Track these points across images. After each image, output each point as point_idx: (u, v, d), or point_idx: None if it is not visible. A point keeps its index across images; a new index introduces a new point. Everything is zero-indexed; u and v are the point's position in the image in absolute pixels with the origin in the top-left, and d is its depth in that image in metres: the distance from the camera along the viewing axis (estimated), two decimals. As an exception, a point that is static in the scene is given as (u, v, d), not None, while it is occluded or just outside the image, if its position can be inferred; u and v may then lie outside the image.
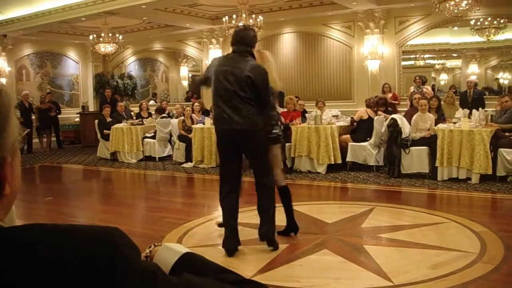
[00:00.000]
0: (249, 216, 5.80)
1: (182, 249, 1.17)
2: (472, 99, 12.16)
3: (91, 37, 14.88)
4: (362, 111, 10.28)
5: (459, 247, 4.97)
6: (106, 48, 15.20)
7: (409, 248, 4.96)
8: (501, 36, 14.67)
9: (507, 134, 8.77)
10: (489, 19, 13.42)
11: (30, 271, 0.81)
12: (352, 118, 10.51)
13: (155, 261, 1.14)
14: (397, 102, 12.79)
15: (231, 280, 1.02)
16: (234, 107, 4.82)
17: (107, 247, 0.85)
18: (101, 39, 14.90)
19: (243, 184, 5.79)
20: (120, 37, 15.28)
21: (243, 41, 5.00)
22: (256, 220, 5.44)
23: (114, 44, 15.18)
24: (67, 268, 0.82)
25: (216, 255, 5.03)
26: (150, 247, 1.24)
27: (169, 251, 1.17)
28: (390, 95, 12.79)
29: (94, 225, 0.94)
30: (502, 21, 13.49)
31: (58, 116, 16.28)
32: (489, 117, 9.80)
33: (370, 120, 9.94)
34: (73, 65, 19.44)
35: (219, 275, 1.04)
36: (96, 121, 13.61)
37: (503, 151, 8.37)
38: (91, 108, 18.71)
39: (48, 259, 0.82)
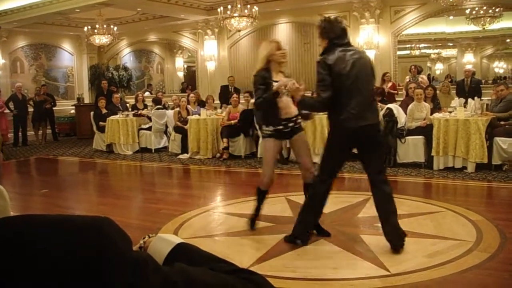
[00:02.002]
0: (245, 206, 5.80)
1: (176, 239, 1.16)
2: (469, 88, 12.16)
3: (85, 28, 14.80)
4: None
5: (455, 235, 4.99)
6: (101, 39, 15.13)
7: (406, 238, 4.96)
8: (497, 25, 14.67)
9: (502, 123, 8.78)
10: (485, 8, 13.40)
11: (19, 262, 0.80)
12: None
13: (149, 251, 1.14)
14: (395, 92, 12.77)
15: (224, 269, 1.01)
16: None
17: (97, 237, 0.84)
18: (95, 30, 14.83)
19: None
20: (115, 28, 15.21)
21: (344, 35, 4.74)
22: (249, 210, 5.45)
23: (109, 35, 15.11)
24: (57, 259, 0.81)
25: (213, 245, 5.03)
26: (144, 238, 1.24)
27: (163, 242, 1.16)
28: (389, 84, 12.77)
29: (85, 215, 0.94)
30: (497, 10, 13.48)
31: (53, 108, 16.22)
32: (485, 106, 9.80)
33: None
34: (68, 57, 19.36)
35: (213, 264, 1.04)
36: (92, 113, 13.57)
37: (499, 140, 8.39)
38: (86, 100, 18.65)
39: (37, 250, 0.81)
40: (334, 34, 4.62)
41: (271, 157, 5.22)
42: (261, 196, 5.36)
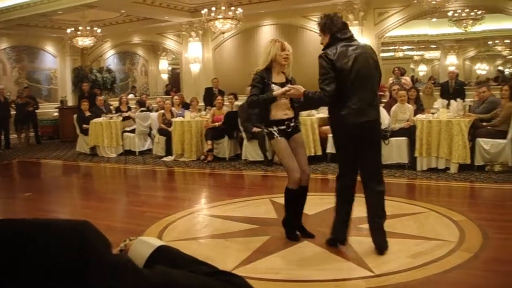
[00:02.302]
0: (230, 209, 5.79)
1: (157, 242, 1.16)
2: (453, 89, 12.25)
3: (68, 30, 14.72)
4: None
5: (439, 236, 5.02)
6: (84, 41, 15.06)
7: (389, 238, 4.97)
8: (479, 27, 14.81)
9: (485, 124, 8.87)
10: (467, 10, 13.54)
11: (1, 265, 0.80)
12: None
13: (130, 255, 1.13)
14: (382, 93, 12.82)
15: (205, 271, 1.01)
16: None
17: (77, 241, 0.84)
18: (79, 32, 14.75)
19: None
20: (99, 30, 15.15)
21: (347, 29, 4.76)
22: (237, 213, 5.45)
23: (93, 37, 15.04)
24: (37, 263, 0.80)
25: (197, 248, 5.02)
26: (125, 241, 1.23)
27: (143, 245, 1.16)
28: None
29: (65, 219, 0.93)
30: (479, 12, 13.62)
31: (36, 111, 16.09)
32: (467, 108, 9.88)
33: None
34: (50, 59, 19.20)
35: (194, 266, 1.03)
36: (75, 115, 13.48)
37: (481, 141, 8.47)
38: (70, 102, 18.50)
39: (15, 255, 0.81)
40: (336, 28, 4.61)
41: (289, 154, 5.06)
42: (290, 196, 5.10)
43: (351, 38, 4.66)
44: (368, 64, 4.59)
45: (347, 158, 4.78)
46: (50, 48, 19.10)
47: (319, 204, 6.29)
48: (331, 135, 9.75)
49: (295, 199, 5.09)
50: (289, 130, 5.05)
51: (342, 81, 4.43)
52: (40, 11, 13.94)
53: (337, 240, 4.81)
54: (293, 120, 5.09)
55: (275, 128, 5.00)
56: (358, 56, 4.50)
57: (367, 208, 4.74)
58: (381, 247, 4.61)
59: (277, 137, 4.99)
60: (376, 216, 4.68)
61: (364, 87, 4.51)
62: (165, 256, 1.12)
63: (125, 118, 12.85)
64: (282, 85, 4.96)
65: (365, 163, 4.75)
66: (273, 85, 4.95)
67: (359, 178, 4.84)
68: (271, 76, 5.01)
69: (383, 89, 12.99)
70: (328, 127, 9.98)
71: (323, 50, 4.62)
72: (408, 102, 9.47)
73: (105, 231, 0.92)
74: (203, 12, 12.70)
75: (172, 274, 0.95)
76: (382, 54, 15.01)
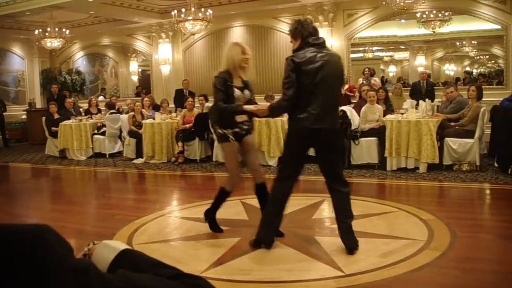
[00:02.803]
0: (201, 210, 5.76)
1: (121, 246, 1.15)
2: (426, 90, 12.38)
3: (36, 32, 14.51)
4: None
5: (408, 235, 5.08)
6: (52, 43, 14.87)
7: (359, 238, 5.01)
8: (446, 29, 15.02)
9: (452, 124, 9.00)
10: (434, 12, 13.70)
11: None
12: None
13: (94, 259, 1.12)
14: (352, 94, 12.92)
15: (169, 274, 1.01)
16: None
17: (37, 245, 0.83)
18: (47, 34, 14.55)
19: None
20: (67, 31, 14.96)
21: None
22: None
23: (61, 39, 14.86)
24: None
25: (168, 250, 4.99)
26: (88, 245, 1.22)
27: (107, 249, 1.15)
28: (346, 86, 12.93)
29: (25, 223, 0.91)
30: (447, 14, 13.79)
31: (4, 113, 15.84)
32: (435, 108, 10.01)
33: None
34: (18, 61, 18.92)
35: (158, 270, 1.03)
36: (44, 118, 13.30)
37: (449, 141, 8.60)
38: (39, 105, 18.24)
39: None
40: (307, 32, 4.66)
41: (236, 158, 5.29)
42: (223, 197, 5.39)
43: (322, 45, 4.69)
44: (334, 72, 4.65)
45: (292, 162, 4.86)
46: (17, 49, 18.82)
47: (289, 205, 6.27)
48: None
49: (225, 198, 5.39)
50: (243, 132, 5.22)
51: (305, 85, 4.48)
52: (6, 12, 13.74)
53: (262, 242, 4.86)
54: (247, 123, 5.25)
55: (230, 131, 5.14)
56: (325, 63, 4.53)
57: (335, 210, 4.78)
58: (351, 246, 4.65)
59: (232, 140, 5.14)
60: (344, 216, 4.73)
61: (326, 94, 4.55)
62: (129, 259, 1.11)
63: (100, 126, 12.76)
64: (241, 89, 5.16)
65: (328, 169, 4.84)
66: (234, 89, 5.10)
67: (323, 180, 4.88)
68: (232, 79, 5.13)
69: (353, 90, 13.11)
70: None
71: (293, 53, 4.66)
72: (378, 103, 9.56)
73: (75, 234, 0.91)
74: (173, 13, 12.63)
75: (135, 278, 0.94)
76: (352, 55, 15.12)
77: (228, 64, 5.13)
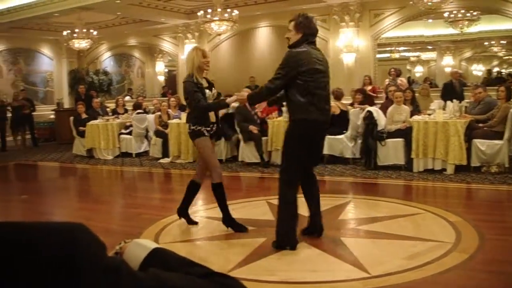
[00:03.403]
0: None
1: (152, 244, 1.16)
2: (459, 90, 12.23)
3: (65, 33, 14.69)
4: (333, 107, 10.16)
5: (435, 237, 5.02)
6: (80, 44, 15.03)
7: (386, 239, 5.00)
8: (475, 28, 14.84)
9: (481, 125, 8.87)
10: (462, 11, 13.56)
11: None
12: None
13: (125, 257, 1.13)
14: (375, 95, 12.86)
15: (200, 273, 1.01)
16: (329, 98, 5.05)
17: (70, 243, 0.84)
18: (75, 34, 14.73)
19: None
20: (95, 32, 15.12)
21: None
22: (234, 214, 5.46)
23: (89, 39, 15.01)
24: (29, 267, 0.80)
25: (194, 250, 5.02)
26: (120, 243, 1.23)
27: (138, 247, 1.16)
28: (369, 87, 12.87)
29: (58, 221, 0.93)
30: (475, 13, 13.64)
31: (33, 113, 16.07)
32: (463, 109, 9.90)
33: (342, 114, 9.95)
34: (47, 62, 19.20)
35: (189, 269, 1.03)
36: (71, 118, 13.46)
37: (477, 142, 8.48)
38: (66, 105, 18.50)
39: (10, 255, 0.81)
40: (310, 31, 4.84)
41: (211, 151, 5.68)
42: (220, 190, 5.63)
43: (314, 43, 4.92)
44: (328, 68, 4.94)
45: (302, 162, 4.95)
46: (46, 50, 19.10)
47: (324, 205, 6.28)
48: (328, 136, 9.81)
49: (220, 193, 5.61)
50: (212, 132, 5.56)
51: (308, 81, 4.65)
52: (36, 14, 13.95)
53: (285, 245, 4.90)
54: (215, 124, 5.59)
55: (203, 128, 5.48)
56: (323, 60, 4.84)
57: (313, 198, 5.14)
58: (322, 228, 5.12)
59: (207, 136, 5.48)
60: (319, 204, 5.15)
61: (325, 89, 4.82)
62: (159, 258, 1.12)
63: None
64: (208, 88, 5.50)
65: (316, 159, 5.30)
66: (205, 90, 5.44)
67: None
68: (199, 81, 5.42)
69: (377, 91, 13.05)
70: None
71: (291, 47, 4.84)
72: (404, 103, 9.48)
73: (102, 233, 0.92)
74: (199, 14, 12.70)
75: (166, 276, 0.95)
76: (378, 55, 15.02)
77: (193, 68, 5.42)
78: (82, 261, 0.83)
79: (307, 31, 4.79)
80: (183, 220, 5.90)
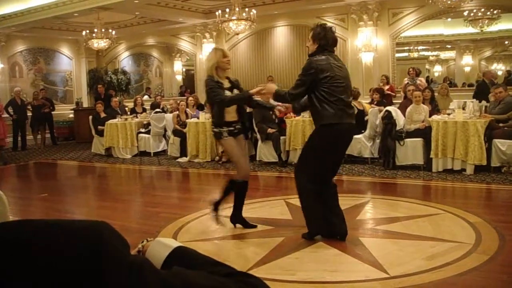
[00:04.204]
0: (245, 210, 5.78)
1: (174, 243, 1.17)
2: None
3: (84, 32, 14.80)
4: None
5: (454, 238, 4.99)
6: (99, 43, 15.12)
7: (405, 240, 4.97)
8: (495, 27, 14.68)
9: (501, 125, 8.78)
10: (483, 10, 13.42)
11: (18, 263, 0.80)
12: None
13: (147, 255, 1.14)
14: (393, 94, 12.79)
15: (223, 272, 1.01)
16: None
17: (95, 240, 0.85)
18: (94, 34, 14.82)
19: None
20: (113, 32, 15.21)
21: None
22: (252, 214, 5.47)
23: (107, 39, 15.10)
24: (55, 260, 0.81)
25: (212, 249, 5.03)
26: (142, 242, 1.24)
27: (160, 246, 1.16)
28: (387, 87, 12.80)
29: (82, 219, 0.94)
30: (495, 11, 13.50)
31: (52, 112, 16.22)
32: (484, 108, 9.80)
33: (360, 113, 9.92)
34: (66, 61, 19.35)
35: (211, 268, 1.04)
36: (90, 117, 13.56)
37: (498, 142, 8.39)
38: (85, 104, 18.63)
39: (36, 252, 0.82)
40: (326, 42, 4.98)
41: (238, 150, 5.54)
42: (237, 189, 5.63)
43: (334, 52, 5.08)
44: (348, 75, 5.11)
45: (330, 162, 5.11)
46: (65, 50, 19.25)
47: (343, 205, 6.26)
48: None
49: (240, 191, 5.63)
50: (236, 131, 5.50)
51: (328, 87, 4.79)
52: (55, 14, 14.05)
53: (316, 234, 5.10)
54: (239, 123, 5.55)
55: (224, 129, 5.43)
56: (342, 67, 5.04)
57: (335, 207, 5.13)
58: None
59: (225, 137, 5.44)
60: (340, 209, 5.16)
61: (345, 94, 4.91)
62: (182, 257, 1.13)
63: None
64: (229, 89, 5.47)
65: (335, 166, 5.33)
66: (225, 90, 5.40)
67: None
68: (219, 80, 5.42)
69: (394, 90, 12.97)
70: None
71: (311, 55, 5.01)
72: (423, 103, 9.41)
73: (121, 231, 0.93)
74: (217, 13, 12.71)
75: (189, 275, 0.95)
76: (397, 55, 14.92)
77: (212, 69, 5.45)
78: (108, 256, 0.84)
79: (322, 42, 4.96)
80: (202, 218, 5.93)
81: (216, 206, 5.69)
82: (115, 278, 0.83)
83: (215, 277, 0.98)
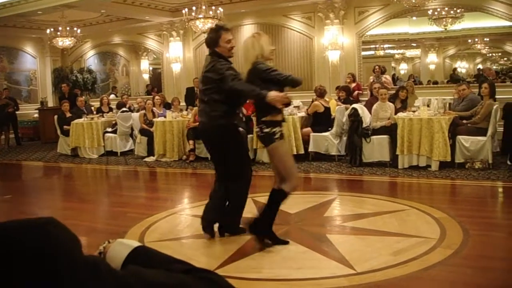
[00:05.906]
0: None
1: (134, 243, 1.16)
2: None
3: (48, 31, 14.58)
4: (317, 105, 10.15)
5: (420, 233, 5.05)
6: (64, 42, 14.92)
7: (371, 236, 5.01)
8: (458, 26, 14.91)
9: (464, 121, 8.93)
10: (446, 9, 13.62)
11: None
12: (306, 110, 10.57)
13: (108, 256, 1.13)
14: (360, 91, 12.90)
15: (180, 269, 1.01)
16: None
17: (42, 237, 0.83)
18: (58, 33, 14.62)
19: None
20: (78, 30, 15.02)
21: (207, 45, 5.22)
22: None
23: (72, 38, 14.91)
24: (4, 260, 0.79)
25: (180, 248, 5.01)
26: (104, 243, 1.23)
27: (121, 246, 1.16)
28: (353, 85, 12.91)
29: (29, 218, 0.91)
30: (459, 10, 13.70)
31: (16, 112, 15.94)
32: (447, 105, 9.96)
33: (326, 111, 10.01)
34: (30, 60, 19.02)
35: (171, 265, 1.04)
36: (56, 116, 13.36)
37: (461, 138, 8.54)
38: (50, 103, 18.35)
39: None
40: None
41: (291, 157, 4.86)
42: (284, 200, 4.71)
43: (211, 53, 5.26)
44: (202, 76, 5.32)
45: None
46: (29, 48, 18.92)
47: (300, 203, 6.30)
48: (313, 133, 9.84)
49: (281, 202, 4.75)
50: (283, 132, 4.67)
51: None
52: (18, 12, 13.82)
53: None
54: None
55: (277, 129, 4.52)
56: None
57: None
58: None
59: (278, 139, 4.52)
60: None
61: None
62: (141, 256, 1.12)
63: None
64: None
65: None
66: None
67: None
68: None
69: (361, 89, 13.09)
70: (309, 129, 10.04)
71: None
72: (402, 102, 9.51)
73: (87, 232, 0.92)
74: (183, 11, 12.65)
75: (146, 273, 0.95)
76: (363, 53, 15.05)
77: (257, 56, 4.65)
78: (58, 254, 0.82)
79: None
80: (170, 217, 5.91)
81: (266, 227, 4.77)
82: (70, 277, 0.82)
83: (174, 274, 0.98)
